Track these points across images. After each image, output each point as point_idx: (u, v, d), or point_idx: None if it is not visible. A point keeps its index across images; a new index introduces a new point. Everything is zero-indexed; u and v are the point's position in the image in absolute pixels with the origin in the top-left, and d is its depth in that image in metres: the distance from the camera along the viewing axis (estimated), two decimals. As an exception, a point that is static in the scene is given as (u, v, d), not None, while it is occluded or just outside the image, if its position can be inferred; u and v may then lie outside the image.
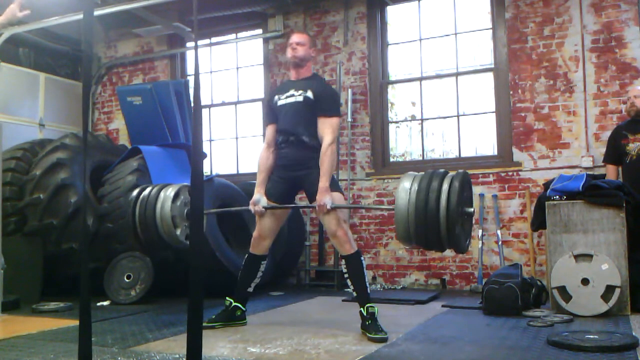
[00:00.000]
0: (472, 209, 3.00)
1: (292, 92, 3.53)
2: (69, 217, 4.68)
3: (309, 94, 3.46)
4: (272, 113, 3.65)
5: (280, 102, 3.57)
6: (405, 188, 2.91)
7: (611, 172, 4.48)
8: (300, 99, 3.47)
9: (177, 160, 5.33)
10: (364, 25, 5.90)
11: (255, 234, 3.60)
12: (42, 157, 4.96)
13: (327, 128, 3.39)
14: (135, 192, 3.77)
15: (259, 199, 3.50)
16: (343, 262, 3.36)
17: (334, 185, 3.40)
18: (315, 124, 3.44)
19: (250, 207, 3.51)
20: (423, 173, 2.99)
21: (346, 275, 3.35)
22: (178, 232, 3.61)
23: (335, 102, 3.54)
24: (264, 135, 6.32)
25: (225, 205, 5.20)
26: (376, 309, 3.28)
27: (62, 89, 6.78)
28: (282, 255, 5.40)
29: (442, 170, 2.99)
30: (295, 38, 3.59)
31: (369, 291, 3.34)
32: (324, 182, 3.30)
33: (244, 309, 3.63)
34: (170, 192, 3.63)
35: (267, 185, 3.55)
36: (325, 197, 3.27)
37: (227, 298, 3.61)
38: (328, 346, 2.98)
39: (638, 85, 4.65)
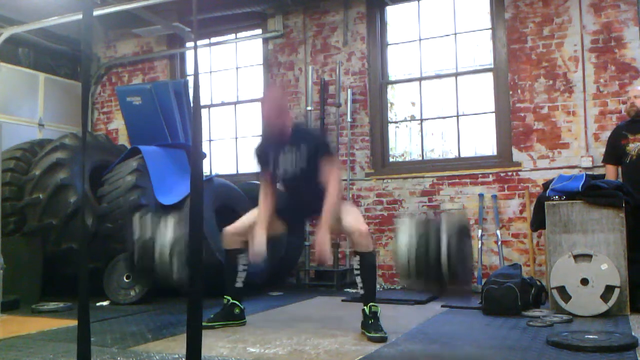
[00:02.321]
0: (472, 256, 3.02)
1: (287, 160, 3.46)
2: (68, 217, 4.68)
3: (304, 149, 3.41)
4: (266, 161, 3.56)
5: (281, 166, 3.49)
6: (403, 246, 2.88)
7: (611, 173, 4.47)
8: (298, 170, 3.43)
9: (177, 160, 5.33)
10: (364, 25, 5.90)
11: (230, 229, 3.59)
12: (41, 157, 4.96)
13: (331, 167, 3.38)
14: (136, 216, 3.67)
15: (260, 236, 3.41)
16: (358, 258, 3.31)
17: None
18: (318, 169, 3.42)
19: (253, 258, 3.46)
20: (417, 223, 2.95)
21: (357, 272, 3.32)
22: (174, 268, 3.49)
23: (328, 141, 3.56)
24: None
25: (225, 205, 5.20)
26: (379, 308, 3.28)
27: (61, 89, 6.78)
28: (281, 255, 5.40)
29: (435, 219, 2.96)
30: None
31: (376, 291, 3.36)
32: (326, 222, 3.27)
33: (242, 306, 3.63)
34: (169, 221, 3.54)
35: (279, 201, 3.56)
36: (326, 236, 3.24)
37: (225, 296, 3.62)
38: (328, 346, 2.98)
39: (638, 86, 4.65)
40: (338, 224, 3.37)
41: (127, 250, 3.61)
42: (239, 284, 3.62)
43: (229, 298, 3.60)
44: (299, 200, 3.55)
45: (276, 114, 3.43)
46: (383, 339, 3.06)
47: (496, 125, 5.44)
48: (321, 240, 3.23)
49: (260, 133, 3.64)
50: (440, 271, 2.79)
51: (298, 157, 3.43)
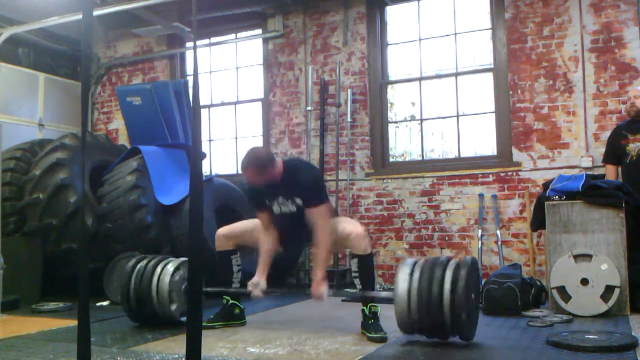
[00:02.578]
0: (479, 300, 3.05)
1: (281, 199, 3.40)
2: (68, 217, 4.68)
3: (298, 201, 3.36)
4: (262, 202, 3.48)
5: (275, 210, 3.45)
6: (405, 277, 2.91)
7: (611, 173, 4.47)
8: (294, 209, 3.39)
9: (177, 160, 5.33)
10: (364, 25, 5.90)
11: (223, 231, 3.59)
12: (41, 157, 4.96)
13: (320, 218, 3.28)
14: (131, 262, 3.66)
15: (259, 282, 3.41)
16: (356, 260, 3.32)
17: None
18: None
19: (250, 290, 3.41)
20: (423, 261, 2.99)
21: (356, 274, 3.33)
22: (173, 308, 3.50)
23: (322, 187, 3.43)
24: (263, 135, 6.35)
25: (225, 205, 5.20)
26: (379, 308, 3.28)
27: (61, 89, 6.78)
28: (281, 255, 5.40)
29: (444, 257, 3.01)
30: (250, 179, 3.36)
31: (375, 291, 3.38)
32: (320, 273, 3.25)
33: (241, 306, 3.63)
34: (169, 266, 3.54)
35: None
36: (322, 288, 3.25)
37: (224, 296, 3.62)
38: (328, 346, 2.99)
39: (638, 86, 4.65)
40: (335, 233, 3.33)
41: (122, 294, 3.59)
42: (235, 284, 3.63)
43: (228, 298, 3.61)
44: (298, 230, 3.47)
45: (260, 177, 3.29)
46: (383, 339, 3.07)
47: (496, 125, 5.44)
48: (317, 293, 3.24)
49: (248, 185, 3.50)
50: (444, 322, 2.82)
51: (293, 199, 3.37)
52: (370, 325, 3.20)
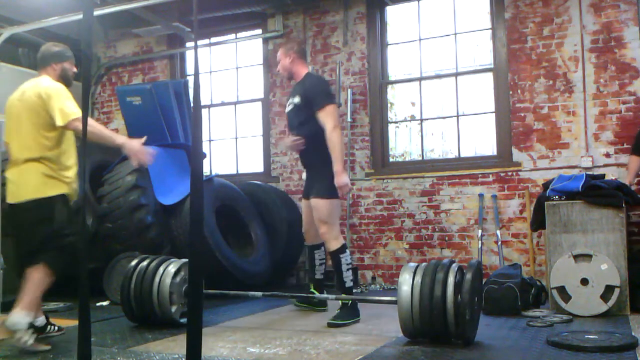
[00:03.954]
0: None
1: (291, 99, 3.94)
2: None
3: (297, 99, 3.80)
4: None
5: (286, 110, 4.02)
6: (407, 281, 2.95)
7: (634, 164, 4.49)
8: (291, 107, 3.87)
9: (177, 160, 5.32)
10: (364, 25, 5.90)
11: (304, 228, 4.13)
12: (41, 157, 4.94)
13: (324, 118, 3.66)
14: (133, 262, 3.68)
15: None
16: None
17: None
18: (309, 122, 3.74)
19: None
20: (425, 265, 3.02)
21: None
22: (173, 309, 3.51)
23: (324, 92, 3.77)
24: (263, 135, 6.36)
25: (225, 205, 5.20)
26: (348, 300, 3.72)
27: (61, 89, 6.76)
28: (282, 254, 5.40)
29: (447, 260, 3.03)
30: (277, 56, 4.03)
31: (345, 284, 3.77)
32: (337, 166, 3.60)
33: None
34: (171, 268, 3.55)
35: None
36: (342, 179, 3.59)
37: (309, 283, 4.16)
38: (328, 346, 2.99)
39: None
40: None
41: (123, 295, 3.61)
42: (318, 275, 4.09)
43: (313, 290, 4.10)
44: (291, 126, 3.95)
45: (283, 55, 3.89)
46: (337, 325, 3.53)
47: (496, 125, 5.44)
48: (340, 184, 3.63)
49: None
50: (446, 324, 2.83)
51: (295, 96, 3.84)
52: (336, 315, 3.61)
